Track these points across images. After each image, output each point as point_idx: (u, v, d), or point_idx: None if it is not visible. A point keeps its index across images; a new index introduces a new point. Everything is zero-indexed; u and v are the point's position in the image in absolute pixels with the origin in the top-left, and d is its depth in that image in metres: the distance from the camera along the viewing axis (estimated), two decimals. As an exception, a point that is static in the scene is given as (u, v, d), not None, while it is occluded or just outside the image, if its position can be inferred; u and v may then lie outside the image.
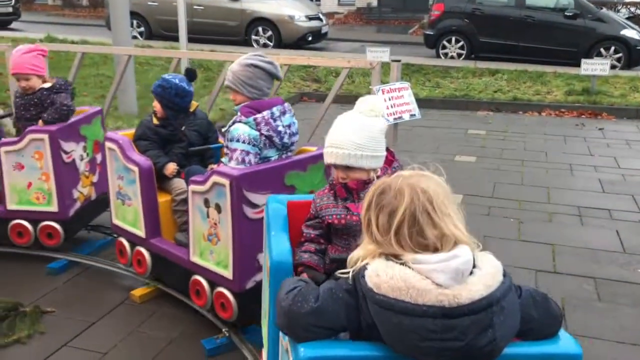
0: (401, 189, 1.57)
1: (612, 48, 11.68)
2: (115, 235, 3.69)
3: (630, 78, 10.14)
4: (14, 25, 17.90)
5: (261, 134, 2.86)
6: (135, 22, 14.41)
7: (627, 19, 14.44)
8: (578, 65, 9.15)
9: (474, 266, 1.55)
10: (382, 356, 1.49)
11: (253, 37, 14.11)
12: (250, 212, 2.79)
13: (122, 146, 3.38)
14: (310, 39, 14.35)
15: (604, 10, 12.91)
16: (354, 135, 2.09)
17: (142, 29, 14.50)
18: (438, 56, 12.82)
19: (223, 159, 3.07)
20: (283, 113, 2.95)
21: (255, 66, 2.95)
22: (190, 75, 3.61)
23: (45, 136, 3.65)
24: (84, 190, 4.01)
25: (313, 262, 2.21)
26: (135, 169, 3.27)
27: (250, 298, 2.80)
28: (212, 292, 3.00)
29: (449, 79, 10.36)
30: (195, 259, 3.07)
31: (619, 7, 18.78)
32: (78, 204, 3.95)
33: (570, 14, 11.85)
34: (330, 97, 4.03)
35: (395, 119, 3.68)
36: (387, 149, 2.24)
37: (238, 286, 2.85)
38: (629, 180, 5.84)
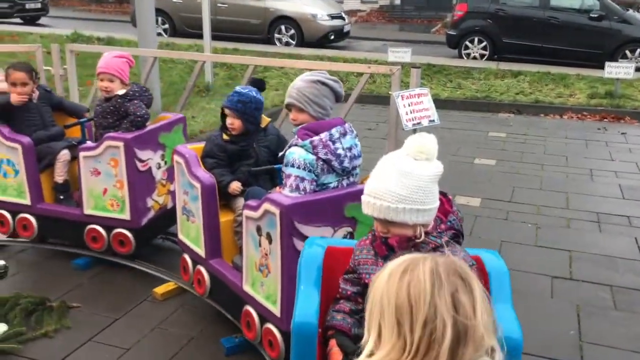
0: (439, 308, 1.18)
1: (638, 50, 11.55)
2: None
3: (656, 81, 10.02)
4: (42, 20, 18.21)
5: (318, 158, 2.62)
6: (160, 19, 14.59)
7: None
8: (602, 67, 9.07)
9: None
10: None
11: (276, 35, 14.19)
12: (302, 246, 2.38)
13: (188, 161, 3.25)
14: (332, 37, 14.38)
15: (631, 11, 12.74)
16: (396, 185, 1.77)
17: (166, 26, 14.65)
18: (460, 56, 12.78)
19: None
20: (343, 134, 2.70)
21: (322, 83, 2.76)
22: (260, 85, 3.44)
23: (121, 144, 3.61)
24: (159, 199, 3.93)
25: (345, 326, 1.95)
26: (198, 185, 3.12)
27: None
28: (262, 326, 2.80)
29: (471, 80, 10.34)
30: (247, 288, 2.88)
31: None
32: (152, 213, 3.87)
33: (596, 15, 11.73)
34: (351, 101, 4.08)
35: (414, 124, 3.72)
36: (443, 194, 1.95)
37: (286, 325, 2.54)
38: (650, 187, 5.81)
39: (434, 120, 3.86)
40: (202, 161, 3.34)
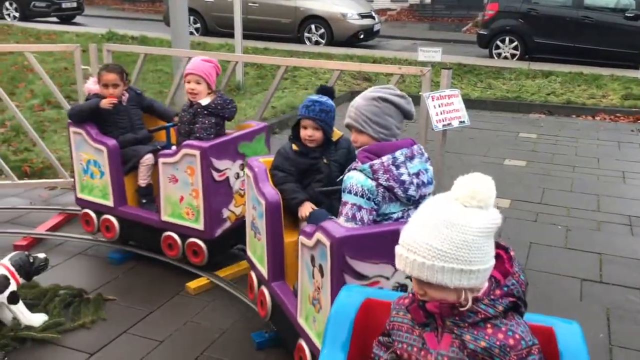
0: None
1: (675, 50, 11.34)
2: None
3: (692, 82, 9.82)
4: (77, 19, 18.59)
5: (379, 185, 2.33)
6: (191, 18, 14.78)
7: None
8: (637, 68, 8.93)
9: None
10: None
11: (306, 34, 14.27)
12: (355, 284, 2.20)
13: (257, 175, 3.06)
14: (362, 36, 14.41)
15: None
16: (435, 237, 1.42)
17: (198, 25, 14.85)
18: (491, 56, 12.70)
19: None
20: (410, 157, 2.40)
21: (385, 100, 2.46)
22: (332, 94, 3.17)
23: (197, 152, 3.51)
24: (236, 210, 3.81)
25: None
26: (263, 202, 2.92)
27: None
28: None
29: (502, 80, 10.27)
30: (301, 321, 2.65)
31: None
32: (227, 224, 3.75)
33: (631, 14, 11.55)
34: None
35: (444, 125, 3.74)
36: (504, 250, 1.57)
37: None
38: (685, 190, 5.72)
39: (464, 122, 3.86)
40: (270, 174, 3.12)
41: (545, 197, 5.43)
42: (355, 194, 2.34)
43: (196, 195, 3.62)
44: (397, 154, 2.38)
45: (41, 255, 3.25)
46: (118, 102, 3.99)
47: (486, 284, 1.50)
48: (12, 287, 3.04)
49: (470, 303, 1.46)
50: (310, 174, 3.13)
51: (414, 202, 2.39)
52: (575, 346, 1.61)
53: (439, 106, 3.73)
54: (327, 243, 2.26)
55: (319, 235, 2.34)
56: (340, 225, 2.31)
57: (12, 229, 4.41)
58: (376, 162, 2.35)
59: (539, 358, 1.50)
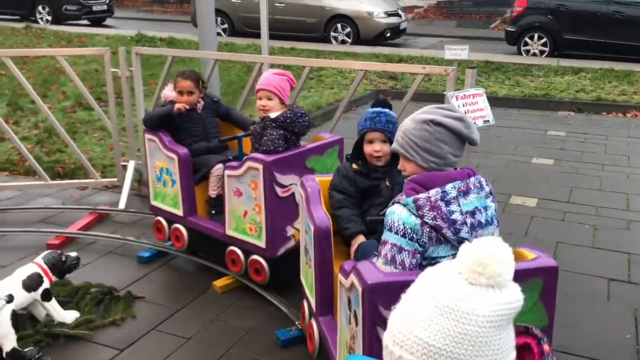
0: None
1: None
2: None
3: None
4: (107, 21, 18.92)
5: (424, 223, 2.00)
6: (219, 19, 14.92)
7: None
8: (669, 64, 8.75)
9: None
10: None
11: (332, 33, 14.29)
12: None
13: (309, 195, 2.82)
14: (388, 35, 14.37)
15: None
16: (424, 328, 1.03)
17: (225, 25, 14.98)
18: (519, 53, 12.55)
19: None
20: (465, 192, 2.03)
21: (437, 123, 2.09)
22: (389, 106, 2.97)
23: (260, 166, 3.32)
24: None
25: None
26: (312, 227, 2.70)
27: None
28: None
29: (530, 77, 10.15)
30: None
31: None
32: (292, 242, 3.51)
33: (664, 9, 11.31)
34: (405, 101, 4.13)
35: (468, 124, 3.73)
36: (532, 335, 1.21)
37: None
38: None
39: (489, 121, 3.85)
40: (329, 194, 2.90)
41: (573, 196, 5.37)
42: (396, 233, 2.02)
43: (259, 210, 3.42)
44: (448, 187, 2.01)
45: (73, 254, 3.35)
46: (192, 110, 3.91)
47: None
48: (46, 284, 3.14)
49: None
50: (370, 196, 2.87)
51: None
52: None
53: (464, 105, 3.72)
54: (360, 288, 2.00)
55: (353, 277, 2.08)
56: (377, 269, 2.02)
57: (45, 228, 4.54)
58: (422, 196, 2.01)
59: None
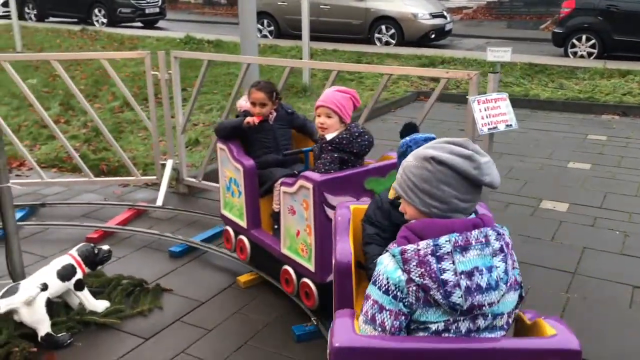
0: None
1: None
2: None
3: None
4: (160, 24, 19.53)
5: (410, 280, 1.71)
6: (265, 21, 15.22)
7: None
8: None
9: None
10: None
11: (376, 35, 14.35)
12: None
13: (337, 224, 2.60)
14: (433, 36, 14.33)
15: None
16: None
17: (271, 28, 15.25)
18: (566, 55, 12.32)
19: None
20: (463, 248, 1.71)
21: (439, 161, 1.78)
22: (417, 130, 2.66)
23: (310, 185, 3.16)
24: None
25: None
26: (334, 259, 2.48)
27: None
28: None
29: (574, 80, 9.97)
30: None
31: None
32: None
33: None
34: (428, 106, 4.19)
35: (489, 129, 3.77)
36: None
37: None
38: None
39: (511, 125, 3.87)
40: (362, 227, 2.71)
41: (606, 202, 5.29)
42: (379, 288, 1.75)
43: (309, 231, 3.25)
44: (442, 240, 1.70)
45: (105, 247, 3.56)
46: (264, 121, 3.86)
47: None
48: (79, 275, 3.35)
49: None
50: None
51: (467, 313, 1.70)
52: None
53: (485, 110, 3.76)
54: (329, 349, 1.76)
55: (330, 336, 1.83)
56: (352, 329, 1.76)
57: (86, 222, 4.80)
58: (410, 248, 1.71)
59: None
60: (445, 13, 14.98)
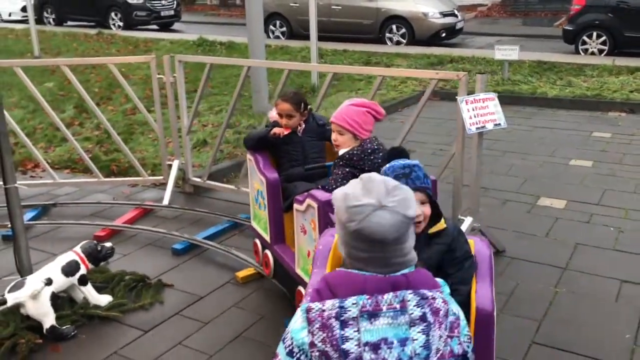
0: None
1: None
2: None
3: None
4: (175, 26, 19.81)
5: (312, 345, 1.51)
6: (278, 22, 15.39)
7: None
8: None
9: None
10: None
11: (387, 34, 14.44)
12: None
13: (317, 254, 2.26)
14: (444, 35, 14.38)
15: None
16: None
17: (284, 29, 15.41)
18: (577, 52, 12.29)
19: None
20: (371, 314, 1.48)
21: (341, 222, 1.58)
22: (407, 155, 2.53)
23: (315, 205, 3.02)
24: None
25: None
26: (309, 288, 2.15)
27: None
28: None
29: (583, 77, 9.97)
30: None
31: None
32: None
33: None
34: (420, 106, 4.30)
35: (477, 128, 3.88)
36: None
37: None
38: None
39: (500, 124, 3.98)
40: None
41: (604, 199, 5.35)
42: (285, 347, 1.56)
43: None
44: (348, 302, 1.48)
45: (108, 245, 3.74)
46: (293, 133, 3.75)
47: None
48: (82, 271, 3.53)
49: None
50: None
51: None
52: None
53: (473, 109, 3.87)
54: None
55: None
56: None
57: (94, 221, 5.00)
58: (315, 306, 1.51)
59: None
60: (456, 12, 15.02)
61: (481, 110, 3.89)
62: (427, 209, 2.26)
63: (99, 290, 3.69)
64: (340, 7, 14.62)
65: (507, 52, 9.88)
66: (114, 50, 13.82)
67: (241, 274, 4.04)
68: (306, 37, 14.48)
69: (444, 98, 8.98)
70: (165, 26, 19.35)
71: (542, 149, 6.91)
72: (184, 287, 3.95)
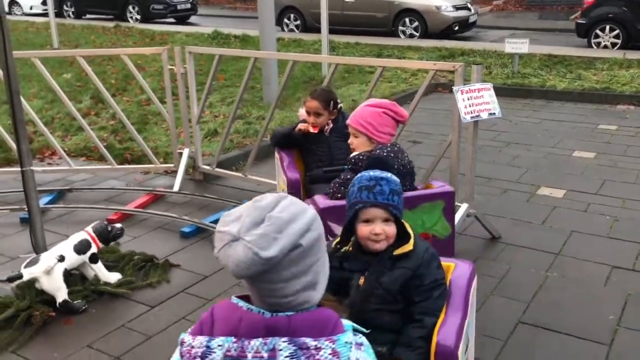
0: None
1: None
2: None
3: None
4: (192, 19, 20.05)
5: None
6: (292, 15, 15.54)
7: None
8: None
9: None
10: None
11: (400, 28, 14.52)
12: None
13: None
14: (456, 28, 14.43)
15: None
16: None
17: (298, 22, 15.55)
18: (590, 46, 12.29)
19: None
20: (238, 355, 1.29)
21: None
22: (387, 167, 2.26)
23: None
24: None
25: None
26: None
27: None
28: None
29: (593, 70, 10.00)
30: None
31: None
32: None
33: None
34: (416, 100, 4.44)
35: (472, 117, 4.01)
36: None
37: None
38: None
39: (494, 113, 4.11)
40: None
41: (603, 189, 5.45)
42: None
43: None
44: (215, 342, 1.31)
45: (118, 225, 3.94)
46: (321, 132, 3.65)
47: None
48: (93, 249, 3.74)
49: None
50: (339, 292, 2.10)
51: None
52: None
53: (468, 99, 4.01)
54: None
55: None
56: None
57: (108, 205, 5.22)
58: (187, 340, 1.34)
59: None
60: (469, 5, 15.05)
61: (476, 100, 4.03)
62: (390, 228, 2.05)
63: (109, 268, 3.90)
64: (353, 0, 14.73)
65: (517, 45, 9.94)
66: (130, 42, 14.08)
67: (244, 255, 4.21)
68: (320, 30, 14.68)
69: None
70: (182, 19, 19.60)
71: (547, 140, 7.01)
72: (190, 267, 4.14)
